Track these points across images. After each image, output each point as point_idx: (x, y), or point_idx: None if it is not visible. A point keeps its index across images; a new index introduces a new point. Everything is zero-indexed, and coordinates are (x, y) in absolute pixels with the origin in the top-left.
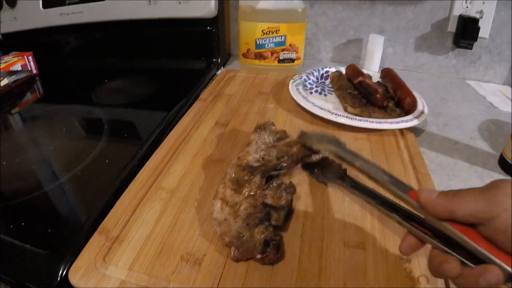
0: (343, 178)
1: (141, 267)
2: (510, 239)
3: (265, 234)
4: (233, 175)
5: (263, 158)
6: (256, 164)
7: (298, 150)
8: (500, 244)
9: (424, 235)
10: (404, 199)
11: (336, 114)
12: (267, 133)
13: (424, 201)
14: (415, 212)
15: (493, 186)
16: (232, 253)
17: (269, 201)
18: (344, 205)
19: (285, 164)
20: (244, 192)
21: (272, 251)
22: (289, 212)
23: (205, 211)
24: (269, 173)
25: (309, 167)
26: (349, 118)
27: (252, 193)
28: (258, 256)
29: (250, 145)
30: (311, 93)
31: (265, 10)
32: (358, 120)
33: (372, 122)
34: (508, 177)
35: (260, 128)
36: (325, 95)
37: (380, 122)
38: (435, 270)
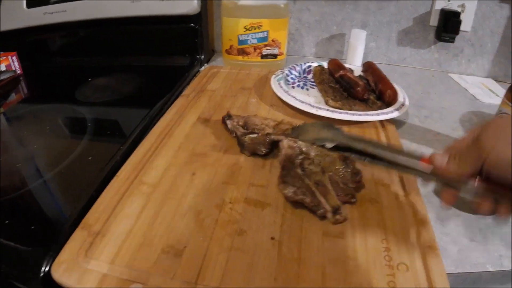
0: None
1: (123, 261)
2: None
3: None
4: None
5: (306, 154)
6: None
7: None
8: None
9: None
10: (417, 169)
11: (317, 107)
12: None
13: (438, 165)
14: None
15: (477, 137)
16: None
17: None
18: None
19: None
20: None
21: None
22: None
23: (187, 204)
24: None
25: None
26: (329, 111)
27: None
28: None
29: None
30: (293, 87)
31: (247, 6)
32: (339, 113)
33: (352, 114)
34: None
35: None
36: (307, 89)
37: (360, 115)
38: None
